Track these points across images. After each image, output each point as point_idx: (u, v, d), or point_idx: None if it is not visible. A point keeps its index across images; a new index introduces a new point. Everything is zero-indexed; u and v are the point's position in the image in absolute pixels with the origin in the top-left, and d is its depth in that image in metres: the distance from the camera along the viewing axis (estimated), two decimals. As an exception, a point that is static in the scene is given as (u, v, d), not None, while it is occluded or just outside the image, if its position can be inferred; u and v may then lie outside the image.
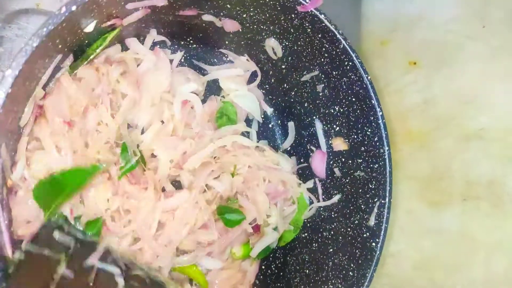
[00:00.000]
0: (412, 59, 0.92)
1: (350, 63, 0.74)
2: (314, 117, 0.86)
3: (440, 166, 0.85)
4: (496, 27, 0.83)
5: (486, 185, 0.79)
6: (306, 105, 0.87)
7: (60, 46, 0.59)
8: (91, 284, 0.59)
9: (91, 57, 0.70)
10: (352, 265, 0.76)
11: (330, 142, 0.86)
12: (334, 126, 0.84)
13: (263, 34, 0.79)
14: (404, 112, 0.91)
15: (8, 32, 0.71)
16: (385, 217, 0.75)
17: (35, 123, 0.65)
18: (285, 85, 0.88)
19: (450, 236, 0.81)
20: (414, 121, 0.90)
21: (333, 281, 0.77)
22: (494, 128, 0.80)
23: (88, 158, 0.67)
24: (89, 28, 0.62)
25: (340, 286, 0.76)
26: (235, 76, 0.85)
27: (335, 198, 0.84)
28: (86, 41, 0.68)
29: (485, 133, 0.80)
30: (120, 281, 0.62)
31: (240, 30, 0.80)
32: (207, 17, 0.77)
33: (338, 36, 0.71)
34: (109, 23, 0.66)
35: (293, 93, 0.87)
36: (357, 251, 0.77)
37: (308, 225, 0.87)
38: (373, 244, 0.75)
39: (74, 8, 0.51)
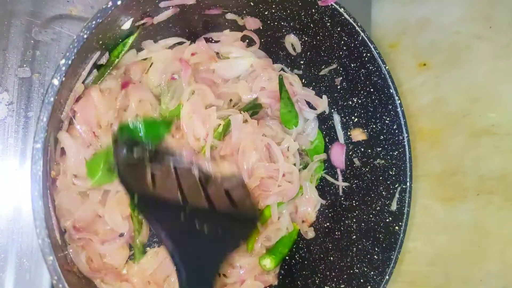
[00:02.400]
0: (421, 60, 0.95)
1: (369, 54, 0.77)
2: (332, 110, 0.90)
3: (452, 162, 0.88)
4: (502, 27, 0.86)
5: (499, 179, 0.81)
6: (324, 99, 0.90)
7: (100, 42, 0.63)
8: (175, 178, 0.69)
9: (115, 62, 0.74)
10: (376, 249, 0.79)
11: (349, 133, 0.89)
12: (353, 117, 0.87)
13: (283, 30, 0.83)
14: (416, 112, 0.94)
15: (44, 36, 0.75)
16: (406, 201, 0.78)
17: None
18: (303, 81, 0.91)
19: (465, 231, 0.84)
20: (426, 120, 0.93)
21: (358, 265, 0.80)
22: (504, 123, 0.83)
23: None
24: (126, 25, 0.66)
25: (366, 269, 0.78)
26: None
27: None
28: (120, 40, 0.71)
29: (496, 129, 0.83)
30: (196, 171, 0.72)
31: (261, 27, 0.84)
32: (230, 16, 0.81)
33: (357, 28, 0.75)
34: (142, 21, 0.70)
35: (311, 87, 0.91)
36: (380, 235, 0.80)
37: (330, 215, 0.90)
38: (396, 227, 0.78)
39: (119, 2, 0.54)
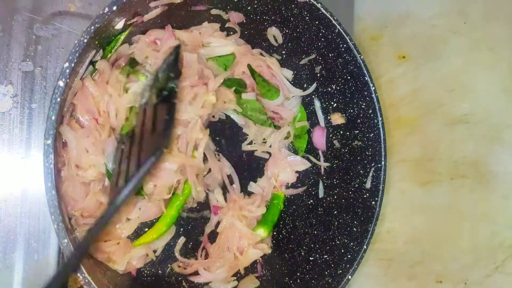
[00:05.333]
0: (401, 53, 1.00)
1: (345, 45, 0.84)
2: (313, 96, 0.97)
3: (429, 149, 0.94)
4: (475, 22, 0.91)
5: (471, 164, 0.87)
6: (305, 86, 0.97)
7: (96, 43, 0.68)
8: None
9: (108, 56, 0.79)
10: (355, 222, 0.87)
11: (329, 117, 0.96)
12: (332, 103, 0.94)
13: (265, 23, 0.89)
14: (395, 102, 1.00)
15: (45, 32, 0.79)
16: (381, 179, 0.85)
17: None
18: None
19: (440, 212, 0.90)
20: (404, 110, 0.98)
21: (339, 237, 0.88)
22: (476, 112, 0.88)
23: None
24: (119, 25, 0.70)
25: (346, 241, 0.87)
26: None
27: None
28: (113, 37, 0.76)
29: (469, 118, 0.89)
30: None
31: (245, 21, 0.89)
32: (215, 11, 0.86)
33: (333, 22, 0.81)
34: (133, 20, 0.75)
35: (292, 76, 0.97)
36: (359, 210, 0.88)
37: (313, 193, 0.98)
38: (373, 202, 0.85)
39: (115, 8, 0.59)
